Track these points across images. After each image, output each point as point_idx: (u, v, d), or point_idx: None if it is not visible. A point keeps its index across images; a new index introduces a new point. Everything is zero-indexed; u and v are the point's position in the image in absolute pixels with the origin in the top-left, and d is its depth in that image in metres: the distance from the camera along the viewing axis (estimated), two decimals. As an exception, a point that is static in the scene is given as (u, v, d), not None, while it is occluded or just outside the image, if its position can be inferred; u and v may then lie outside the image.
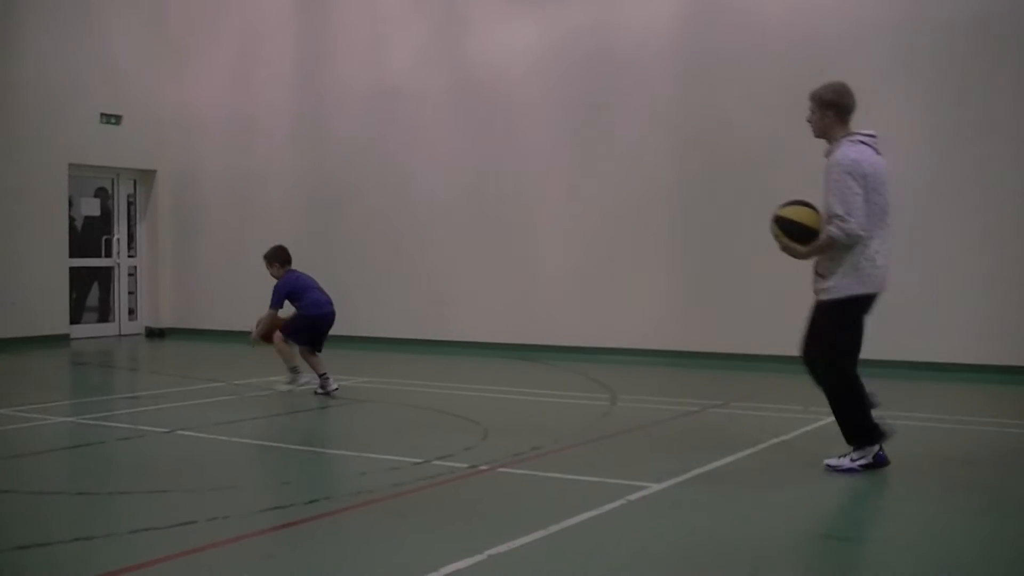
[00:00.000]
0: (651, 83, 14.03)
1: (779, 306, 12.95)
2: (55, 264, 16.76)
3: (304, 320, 10.86)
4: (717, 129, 13.60)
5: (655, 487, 6.60)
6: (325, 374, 10.78)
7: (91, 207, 18.04)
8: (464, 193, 15.46)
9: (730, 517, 6.03)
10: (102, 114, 17.28)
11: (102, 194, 18.20)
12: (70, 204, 17.26)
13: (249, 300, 16.96)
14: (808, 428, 8.81)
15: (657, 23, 14.04)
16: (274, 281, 11.03)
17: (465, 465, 7.26)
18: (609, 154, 14.32)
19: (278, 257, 11.11)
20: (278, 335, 10.79)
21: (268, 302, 10.78)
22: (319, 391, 10.74)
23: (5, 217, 15.98)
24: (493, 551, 5.20)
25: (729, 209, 13.48)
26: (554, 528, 5.62)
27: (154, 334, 18.16)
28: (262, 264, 11.07)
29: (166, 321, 18.37)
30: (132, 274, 18.44)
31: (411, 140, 15.91)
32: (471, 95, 15.44)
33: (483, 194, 15.30)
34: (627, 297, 14.19)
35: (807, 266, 7.19)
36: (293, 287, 10.94)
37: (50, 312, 16.60)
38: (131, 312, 18.49)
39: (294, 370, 10.90)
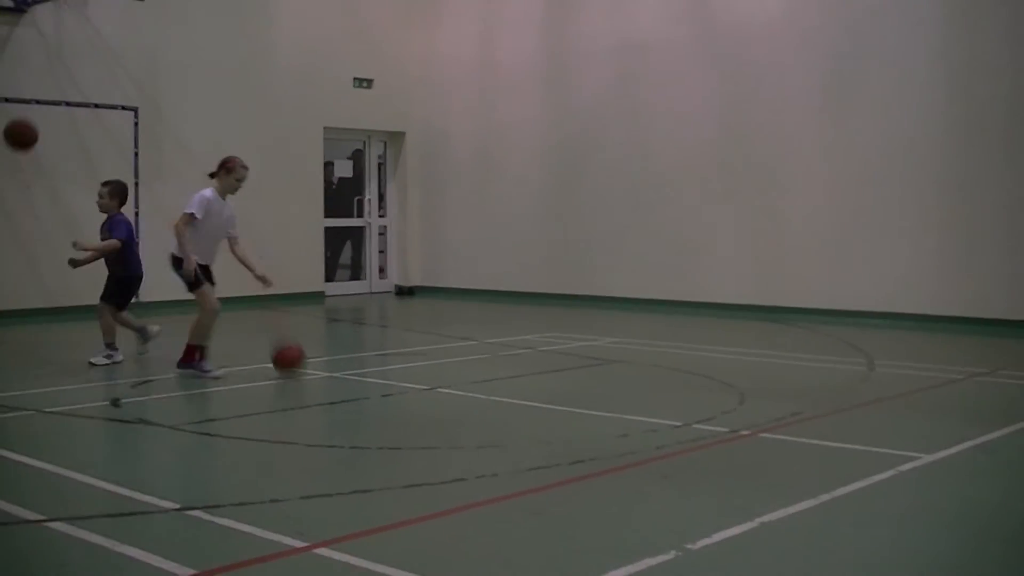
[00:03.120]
0: (905, 31, 13.41)
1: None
2: (312, 224, 17.49)
3: (132, 282, 10.57)
4: (978, 79, 12.88)
5: (927, 458, 6.37)
6: (144, 326, 10.68)
7: (344, 168, 18.71)
8: (709, 147, 15.21)
9: (1013, 492, 5.74)
10: (355, 78, 17.86)
11: (356, 155, 18.86)
12: (325, 166, 17.95)
13: (495, 258, 17.31)
14: (1088, 399, 8.34)
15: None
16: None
17: (725, 429, 7.19)
18: (861, 107, 13.79)
19: (121, 194, 10.63)
20: (111, 309, 10.37)
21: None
22: (143, 345, 10.60)
23: (266, 179, 16.67)
24: (765, 519, 5.13)
25: (990, 164, 12.80)
26: (825, 497, 5.50)
27: (403, 292, 18.72)
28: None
29: (415, 279, 18.91)
30: (382, 233, 19.06)
31: (655, 93, 15.76)
32: (717, 47, 15.14)
33: (728, 149, 15.02)
34: (880, 257, 13.68)
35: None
36: (131, 232, 10.64)
37: (307, 270, 17.35)
38: (381, 270, 19.11)
39: (112, 345, 10.35)
